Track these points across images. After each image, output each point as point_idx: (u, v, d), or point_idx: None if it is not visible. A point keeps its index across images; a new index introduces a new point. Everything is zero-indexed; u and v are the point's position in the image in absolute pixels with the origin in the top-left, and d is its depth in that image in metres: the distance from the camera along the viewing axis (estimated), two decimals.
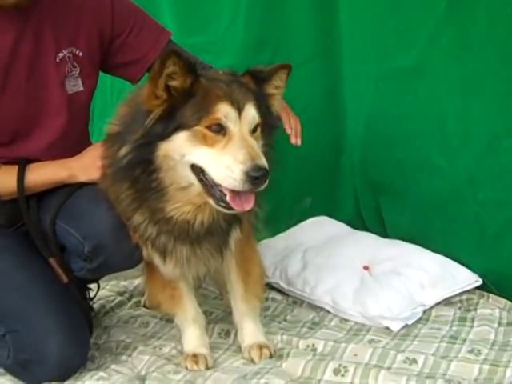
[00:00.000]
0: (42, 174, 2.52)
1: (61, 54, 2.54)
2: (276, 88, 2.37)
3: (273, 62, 3.29)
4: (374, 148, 3.22)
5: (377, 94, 3.16)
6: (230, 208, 2.17)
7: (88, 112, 2.75)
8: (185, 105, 2.15)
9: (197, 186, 2.21)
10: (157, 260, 2.43)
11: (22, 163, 2.52)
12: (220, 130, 2.13)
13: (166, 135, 2.15)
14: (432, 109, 2.96)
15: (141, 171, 2.20)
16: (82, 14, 2.56)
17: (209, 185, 2.18)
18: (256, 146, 2.16)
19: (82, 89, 2.61)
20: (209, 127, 2.13)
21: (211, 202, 2.20)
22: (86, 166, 2.47)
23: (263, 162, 2.09)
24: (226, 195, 2.15)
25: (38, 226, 2.54)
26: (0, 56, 2.43)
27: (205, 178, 2.17)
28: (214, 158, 2.13)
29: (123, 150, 2.22)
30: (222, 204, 2.17)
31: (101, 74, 2.74)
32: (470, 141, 2.84)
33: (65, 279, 2.52)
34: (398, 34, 3.00)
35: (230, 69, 2.39)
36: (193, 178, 2.20)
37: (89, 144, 2.69)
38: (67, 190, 2.51)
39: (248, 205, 2.16)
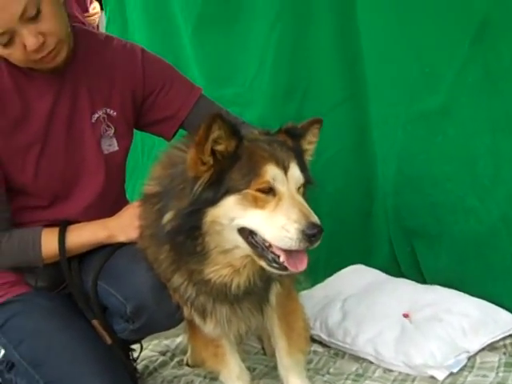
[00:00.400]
0: (82, 236, 2.55)
1: (96, 115, 2.59)
2: (310, 143, 2.40)
3: (301, 111, 3.43)
4: (406, 192, 3.22)
5: (406, 138, 3.17)
6: (283, 269, 2.17)
7: (123, 171, 2.80)
8: (231, 168, 2.15)
9: (241, 249, 2.22)
10: (197, 320, 2.44)
11: (63, 225, 2.55)
12: (269, 191, 2.14)
13: (215, 201, 2.14)
14: (462, 149, 2.97)
15: (185, 237, 2.20)
16: (114, 75, 2.62)
17: (259, 247, 2.18)
18: (305, 203, 2.17)
19: (117, 148, 2.65)
20: (259, 190, 2.13)
21: (263, 264, 2.20)
22: (125, 226, 2.50)
23: (316, 219, 2.10)
24: (278, 256, 2.15)
25: (80, 288, 2.57)
26: (40, 119, 2.49)
27: (254, 240, 2.17)
28: (266, 219, 2.12)
29: (167, 217, 2.21)
30: (275, 265, 2.17)
31: None
32: (501, 179, 2.85)
33: (109, 340, 2.54)
34: (423, 76, 3.02)
35: (263, 128, 2.39)
36: (240, 241, 2.19)
37: (125, 203, 2.72)
38: (108, 250, 2.54)
39: (302, 265, 2.16)
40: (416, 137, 3.13)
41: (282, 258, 2.15)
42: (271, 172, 2.14)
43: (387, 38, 3.08)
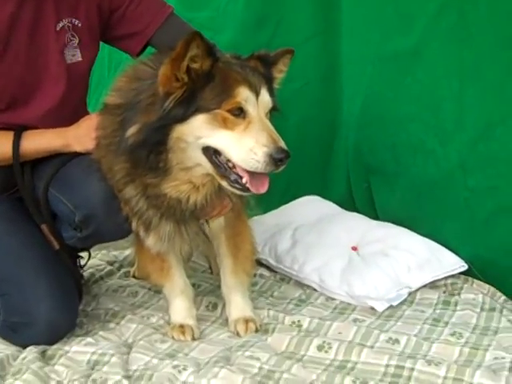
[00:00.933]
0: (38, 142, 2.54)
1: (61, 23, 2.55)
2: (280, 72, 2.42)
3: (272, 41, 3.40)
4: (369, 129, 3.24)
5: (374, 76, 3.17)
6: (245, 190, 2.20)
7: (86, 83, 2.76)
8: (204, 88, 2.15)
9: (202, 168, 2.24)
10: (141, 233, 2.45)
11: (18, 130, 2.53)
12: (240, 113, 2.15)
13: (184, 118, 2.14)
14: (428, 93, 2.97)
15: (148, 151, 2.19)
16: None
17: (222, 167, 2.20)
18: (273, 128, 2.19)
19: (80, 59, 2.62)
20: (229, 110, 2.14)
21: (224, 184, 2.23)
22: (81, 136, 2.48)
23: (284, 144, 2.13)
24: (241, 177, 2.18)
25: (31, 193, 2.56)
26: (1, 22, 2.44)
27: (218, 160, 2.19)
28: (234, 140, 2.14)
29: (131, 130, 2.19)
30: (237, 186, 2.20)
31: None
32: (464, 126, 2.86)
33: (56, 246, 2.55)
34: (397, 16, 3.01)
35: (233, 51, 2.39)
36: (203, 160, 2.21)
37: (86, 114, 2.69)
38: (62, 158, 2.53)
39: (263, 187, 2.20)
40: (384, 76, 3.14)
41: (244, 180, 2.18)
42: (244, 94, 2.16)
43: None
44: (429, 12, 2.88)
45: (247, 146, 2.13)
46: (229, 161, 2.18)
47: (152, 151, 2.19)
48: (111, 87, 2.39)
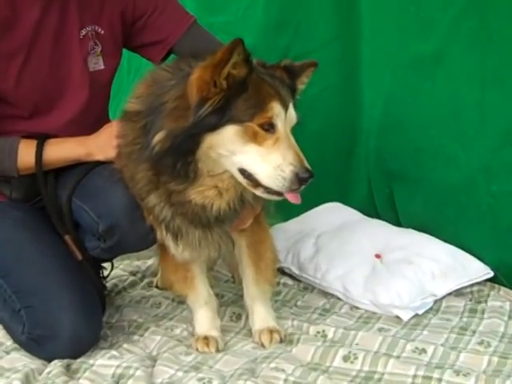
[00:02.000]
0: (60, 151, 2.54)
1: (84, 31, 2.56)
2: (302, 83, 2.41)
3: (291, 45, 3.40)
4: (390, 135, 3.21)
5: (394, 81, 3.14)
6: (281, 194, 2.21)
7: (109, 91, 2.78)
8: (238, 97, 2.13)
9: (230, 172, 2.23)
10: (169, 242, 2.44)
11: (41, 138, 2.53)
12: (269, 128, 2.15)
13: (216, 127, 2.13)
14: (449, 98, 2.94)
15: (175, 159, 2.17)
16: None
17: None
18: (298, 146, 2.19)
19: (103, 67, 2.63)
20: (261, 125, 2.14)
21: (259, 191, 2.22)
22: (103, 145, 2.48)
23: (308, 165, 2.15)
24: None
25: (54, 202, 2.55)
26: (27, 28, 2.45)
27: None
28: (262, 156, 2.14)
29: (157, 137, 2.17)
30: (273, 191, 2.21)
31: None
32: (485, 131, 2.84)
33: (79, 256, 2.54)
34: (418, 20, 2.98)
35: (259, 59, 2.35)
36: (235, 172, 2.20)
37: (108, 122, 2.67)
38: (85, 167, 2.52)
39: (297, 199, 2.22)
40: (405, 81, 3.11)
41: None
42: (276, 109, 2.16)
43: None
44: (449, 17, 2.85)
45: (275, 162, 2.13)
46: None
47: (180, 159, 2.18)
48: (131, 94, 2.38)
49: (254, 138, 2.14)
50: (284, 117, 2.18)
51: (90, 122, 2.61)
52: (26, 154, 2.51)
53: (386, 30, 3.13)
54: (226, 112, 2.12)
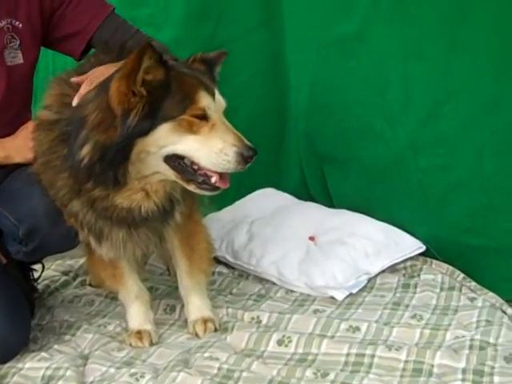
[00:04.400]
0: None
1: None
2: (217, 73, 2.41)
3: (215, 34, 3.34)
4: (318, 117, 3.21)
5: (319, 63, 3.14)
6: (215, 189, 2.21)
7: (29, 86, 2.68)
8: (164, 97, 2.12)
9: (160, 175, 2.22)
10: (93, 243, 2.40)
11: None
12: (202, 117, 2.14)
13: (150, 130, 2.11)
14: (374, 75, 2.96)
15: (105, 168, 2.14)
16: None
17: (187, 171, 2.19)
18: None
19: (21, 61, 2.55)
20: (194, 116, 2.13)
21: (192, 187, 2.22)
22: (19, 147, 2.43)
23: (249, 142, 2.16)
24: (209, 178, 2.19)
25: None
26: None
27: (181, 165, 2.18)
28: (202, 143, 2.14)
29: (84, 151, 2.13)
30: (206, 186, 2.21)
31: (43, 52, 2.69)
32: (411, 107, 2.87)
33: (3, 260, 2.48)
34: (338, 0, 2.98)
35: (171, 55, 2.36)
36: (164, 168, 2.19)
37: (29, 119, 2.61)
38: (2, 171, 2.47)
39: (228, 182, 2.23)
40: (329, 62, 3.10)
41: (214, 179, 2.19)
42: (205, 97, 2.16)
43: None
44: None
45: (216, 147, 2.13)
46: (193, 163, 2.17)
47: (112, 168, 2.15)
48: (42, 104, 2.35)
49: (190, 129, 2.13)
50: (213, 104, 2.18)
51: (9, 118, 2.54)
52: None
53: (308, 11, 3.12)
54: (156, 115, 2.11)
